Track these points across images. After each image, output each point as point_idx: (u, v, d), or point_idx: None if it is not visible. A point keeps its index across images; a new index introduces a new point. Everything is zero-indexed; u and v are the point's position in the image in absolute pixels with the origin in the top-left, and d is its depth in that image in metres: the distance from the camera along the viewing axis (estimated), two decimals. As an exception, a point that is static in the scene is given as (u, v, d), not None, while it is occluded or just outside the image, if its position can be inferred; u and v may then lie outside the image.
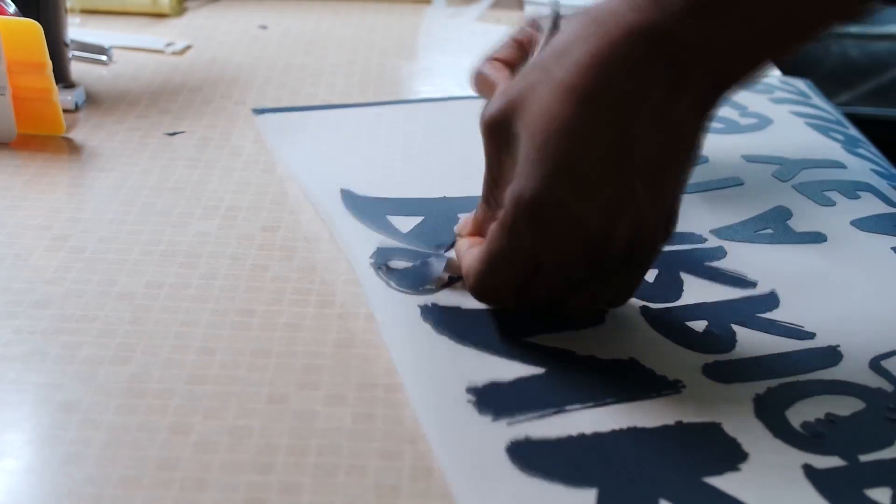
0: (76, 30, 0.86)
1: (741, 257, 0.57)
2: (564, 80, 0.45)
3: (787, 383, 0.48)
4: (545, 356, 0.48)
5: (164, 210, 0.61)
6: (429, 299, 0.51)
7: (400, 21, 1.00)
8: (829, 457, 0.43)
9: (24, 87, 0.67)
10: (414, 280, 0.53)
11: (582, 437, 0.43)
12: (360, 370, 0.47)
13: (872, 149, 0.76)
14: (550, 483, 0.41)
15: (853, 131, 0.79)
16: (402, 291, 0.52)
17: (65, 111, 0.70)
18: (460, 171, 0.66)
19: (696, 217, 0.61)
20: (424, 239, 0.57)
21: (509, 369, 0.47)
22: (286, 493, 0.40)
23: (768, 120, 0.77)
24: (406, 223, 0.59)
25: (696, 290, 0.54)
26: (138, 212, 0.60)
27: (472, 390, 0.45)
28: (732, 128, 0.75)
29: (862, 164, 0.71)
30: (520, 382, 0.46)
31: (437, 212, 0.61)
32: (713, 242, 0.59)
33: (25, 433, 0.43)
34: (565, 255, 0.46)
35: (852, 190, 0.66)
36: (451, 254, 0.54)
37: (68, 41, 0.76)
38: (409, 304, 0.51)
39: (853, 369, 0.49)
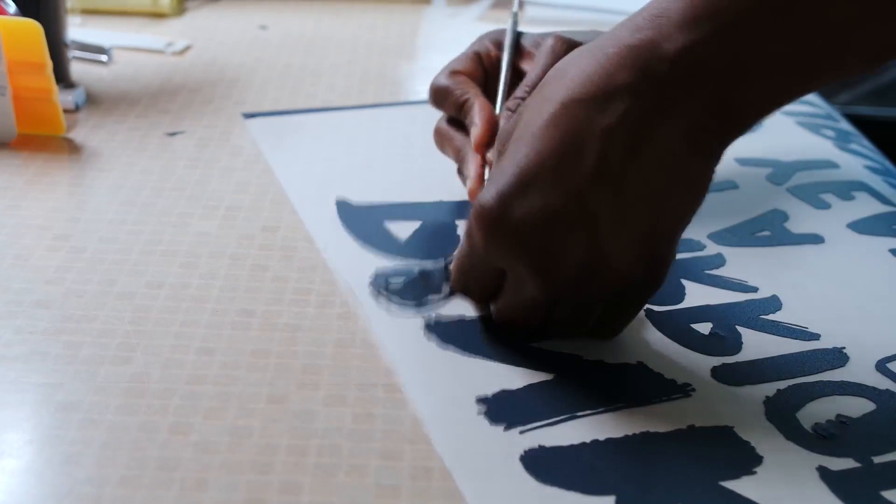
0: (76, 30, 0.86)
1: (741, 263, 0.57)
2: (551, 94, 0.45)
3: (796, 385, 0.48)
4: (553, 362, 0.48)
5: (164, 210, 0.61)
6: (431, 315, 0.51)
7: (400, 21, 1.00)
8: (843, 458, 0.43)
9: (24, 87, 0.67)
10: (415, 296, 0.53)
11: (595, 443, 0.43)
12: (360, 370, 0.47)
13: (865, 142, 0.76)
14: (568, 492, 0.41)
15: (844, 124, 0.79)
16: (405, 312, 0.51)
17: (65, 111, 0.70)
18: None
19: (693, 222, 0.61)
20: (424, 246, 0.57)
21: (518, 377, 0.47)
22: (286, 493, 0.40)
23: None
24: (404, 229, 0.59)
25: (697, 294, 0.54)
26: (138, 212, 0.60)
27: (483, 400, 0.45)
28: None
29: (855, 161, 0.71)
30: (529, 389, 0.46)
31: (435, 216, 0.61)
32: (712, 249, 0.59)
33: (25, 433, 0.43)
34: (514, 270, 0.46)
35: (847, 191, 0.66)
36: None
37: (68, 41, 0.76)
38: (412, 324, 0.51)
39: (860, 371, 0.49)
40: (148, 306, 0.51)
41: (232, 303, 0.52)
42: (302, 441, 0.43)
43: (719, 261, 0.57)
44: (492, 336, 0.50)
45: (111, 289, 0.53)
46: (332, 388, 0.46)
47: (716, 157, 0.44)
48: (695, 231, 0.60)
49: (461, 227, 0.60)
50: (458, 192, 0.62)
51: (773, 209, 0.63)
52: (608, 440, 0.44)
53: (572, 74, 0.44)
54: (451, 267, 0.52)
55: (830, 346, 0.51)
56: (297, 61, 0.87)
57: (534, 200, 0.44)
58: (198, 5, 1.01)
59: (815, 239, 0.60)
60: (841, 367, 0.49)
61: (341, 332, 0.50)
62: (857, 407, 0.46)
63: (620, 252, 0.45)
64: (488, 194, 0.45)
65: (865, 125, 0.84)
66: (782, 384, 0.48)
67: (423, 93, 0.83)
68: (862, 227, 0.62)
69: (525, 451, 0.42)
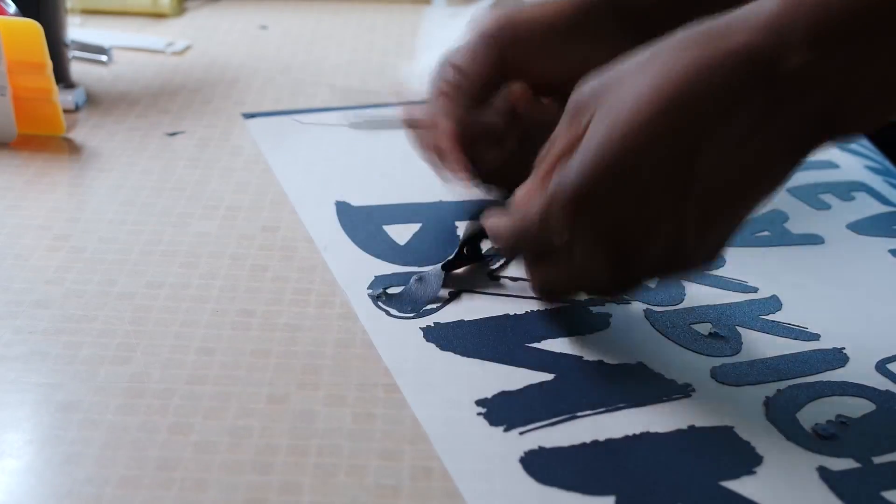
0: (76, 30, 0.86)
1: (740, 263, 0.57)
2: (653, 82, 0.44)
3: (796, 385, 0.48)
4: (552, 362, 0.48)
5: (164, 210, 0.61)
6: (430, 319, 0.51)
7: (400, 21, 1.00)
8: (844, 459, 0.43)
9: (24, 87, 0.67)
10: (413, 302, 0.52)
11: (595, 443, 0.43)
12: (360, 370, 0.47)
13: (865, 142, 0.76)
14: (568, 493, 0.41)
15: None
16: (403, 318, 0.51)
17: (65, 111, 0.70)
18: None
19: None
20: (423, 250, 0.57)
21: (518, 377, 0.47)
22: (286, 493, 0.40)
23: None
24: (404, 232, 0.59)
25: (697, 294, 0.54)
26: (138, 212, 0.60)
27: (482, 402, 0.45)
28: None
29: (855, 160, 0.71)
30: (529, 390, 0.46)
31: (435, 218, 0.61)
32: None
33: (25, 433, 0.43)
34: (588, 251, 0.46)
35: (846, 191, 0.66)
36: (437, 272, 0.54)
37: (68, 41, 0.76)
38: (411, 328, 0.51)
39: (860, 371, 0.49)
40: (148, 306, 0.51)
41: (232, 303, 0.52)
42: (302, 441, 0.43)
43: (719, 261, 0.57)
44: (491, 337, 0.50)
45: (111, 289, 0.52)
46: (332, 388, 0.46)
47: (805, 158, 0.44)
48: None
49: (461, 228, 0.59)
50: (457, 192, 0.62)
51: (772, 209, 0.63)
52: (608, 440, 0.43)
53: (677, 66, 0.43)
54: (501, 231, 0.50)
55: (830, 347, 0.50)
56: (297, 61, 0.87)
57: (629, 187, 0.44)
58: (198, 5, 1.01)
59: (815, 239, 0.60)
60: (841, 367, 0.49)
61: (341, 332, 0.50)
62: (857, 407, 0.46)
63: (700, 246, 0.45)
64: (579, 172, 0.44)
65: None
66: (782, 384, 0.48)
67: (423, 93, 0.83)
68: (862, 227, 0.62)
69: (525, 453, 0.42)
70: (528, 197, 0.48)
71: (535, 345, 0.49)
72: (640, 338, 0.50)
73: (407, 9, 1.04)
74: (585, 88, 0.47)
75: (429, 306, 0.52)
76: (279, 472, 0.41)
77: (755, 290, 0.55)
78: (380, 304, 0.52)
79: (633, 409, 0.45)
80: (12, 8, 0.68)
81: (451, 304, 0.52)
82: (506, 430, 0.44)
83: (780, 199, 0.65)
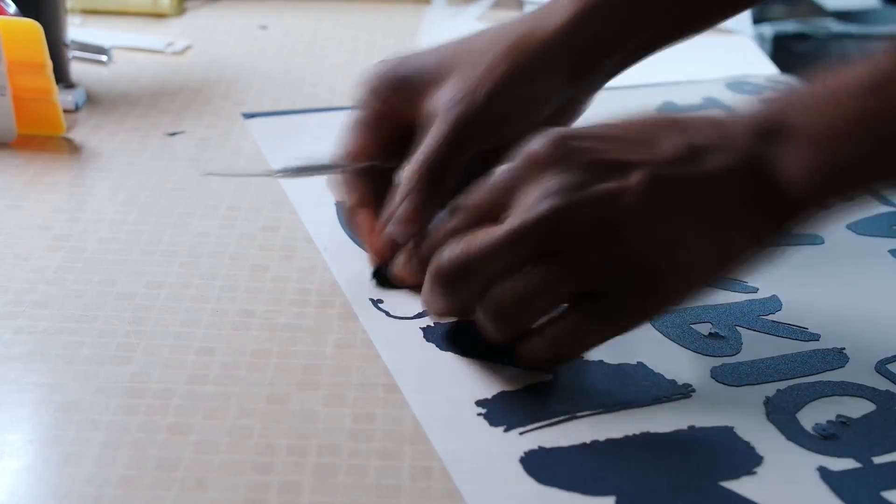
0: (76, 30, 0.86)
1: None
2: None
3: (796, 385, 0.48)
4: None
5: (164, 210, 0.61)
6: (430, 319, 0.51)
7: (400, 21, 1.00)
8: (844, 459, 0.43)
9: (24, 87, 0.67)
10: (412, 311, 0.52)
11: (595, 443, 0.43)
12: (360, 370, 0.47)
13: None
14: (568, 493, 0.41)
15: None
16: (403, 318, 0.51)
17: (65, 111, 0.70)
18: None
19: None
20: None
21: (518, 378, 0.47)
22: (286, 493, 0.40)
23: None
24: None
25: None
26: (138, 212, 0.60)
27: (482, 403, 0.45)
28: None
29: None
30: (529, 390, 0.46)
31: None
32: None
33: (25, 433, 0.43)
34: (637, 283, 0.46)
35: None
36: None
37: (68, 41, 0.76)
38: (411, 328, 0.51)
39: (860, 372, 0.49)
40: (148, 306, 0.51)
41: (232, 303, 0.52)
42: (302, 441, 0.43)
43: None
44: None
45: (111, 289, 0.53)
46: (332, 388, 0.46)
47: (758, 239, 0.46)
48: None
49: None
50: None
51: None
52: (608, 440, 0.44)
53: (672, 134, 0.46)
54: (498, 303, 0.46)
55: (830, 347, 0.51)
56: (297, 61, 0.87)
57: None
58: (198, 5, 1.01)
59: (815, 239, 0.60)
60: (841, 367, 0.49)
61: (341, 332, 0.50)
62: (857, 407, 0.46)
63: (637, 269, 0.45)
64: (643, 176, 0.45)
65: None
66: (782, 384, 0.48)
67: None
68: (862, 227, 0.62)
69: (525, 453, 0.42)
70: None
71: None
72: (639, 337, 0.50)
73: (407, 9, 1.04)
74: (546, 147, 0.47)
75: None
76: (279, 472, 0.41)
77: (755, 290, 0.55)
78: (380, 304, 0.52)
79: (633, 409, 0.45)
80: (12, 8, 0.68)
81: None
82: (506, 430, 0.44)
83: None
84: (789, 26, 1.18)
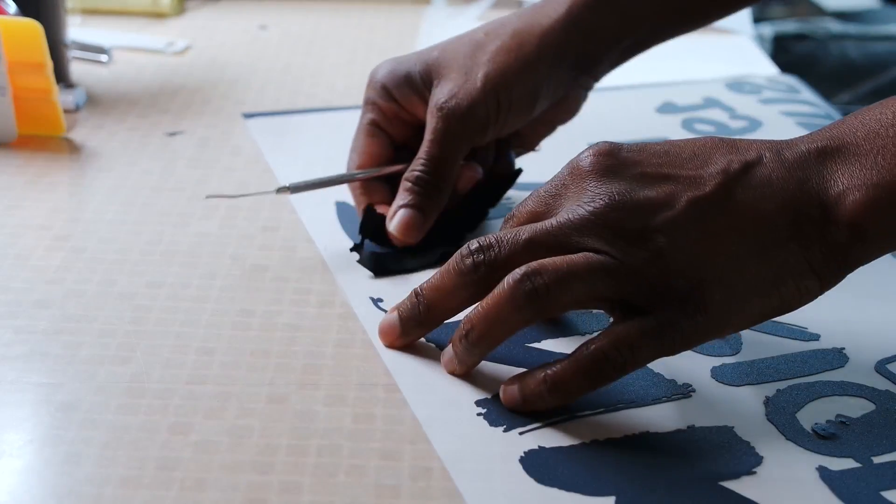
0: (76, 30, 0.86)
1: None
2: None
3: (796, 385, 0.48)
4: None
5: (164, 210, 0.61)
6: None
7: (400, 21, 1.00)
8: (843, 459, 0.43)
9: (24, 87, 0.67)
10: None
11: (595, 443, 0.43)
12: (360, 370, 0.47)
13: None
14: (568, 493, 0.41)
15: None
16: None
17: (65, 111, 0.70)
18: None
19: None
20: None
21: None
22: (286, 493, 0.40)
23: (758, 122, 0.77)
24: None
25: None
26: (138, 212, 0.60)
27: (482, 403, 0.45)
28: (722, 131, 0.76)
29: None
30: None
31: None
32: None
33: (25, 433, 0.43)
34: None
35: None
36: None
37: (68, 41, 0.76)
38: None
39: (859, 371, 0.49)
40: (148, 306, 0.51)
41: (232, 303, 0.52)
42: (302, 441, 0.43)
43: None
44: None
45: (111, 289, 0.53)
46: (332, 388, 0.46)
47: (810, 262, 0.44)
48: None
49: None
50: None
51: None
52: (608, 440, 0.44)
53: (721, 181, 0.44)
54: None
55: (830, 347, 0.51)
56: (297, 61, 0.87)
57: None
58: (198, 5, 1.01)
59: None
60: (840, 367, 0.49)
61: (341, 332, 0.50)
62: (857, 407, 0.46)
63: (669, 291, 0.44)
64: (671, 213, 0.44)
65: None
66: (782, 384, 0.48)
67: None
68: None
69: (525, 453, 0.42)
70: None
71: (535, 345, 0.49)
72: None
73: (407, 9, 1.04)
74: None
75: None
76: (279, 472, 0.41)
77: None
78: (379, 304, 0.52)
79: (633, 409, 0.45)
80: (12, 8, 0.69)
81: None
82: (506, 430, 0.44)
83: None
84: (789, 26, 1.18)
